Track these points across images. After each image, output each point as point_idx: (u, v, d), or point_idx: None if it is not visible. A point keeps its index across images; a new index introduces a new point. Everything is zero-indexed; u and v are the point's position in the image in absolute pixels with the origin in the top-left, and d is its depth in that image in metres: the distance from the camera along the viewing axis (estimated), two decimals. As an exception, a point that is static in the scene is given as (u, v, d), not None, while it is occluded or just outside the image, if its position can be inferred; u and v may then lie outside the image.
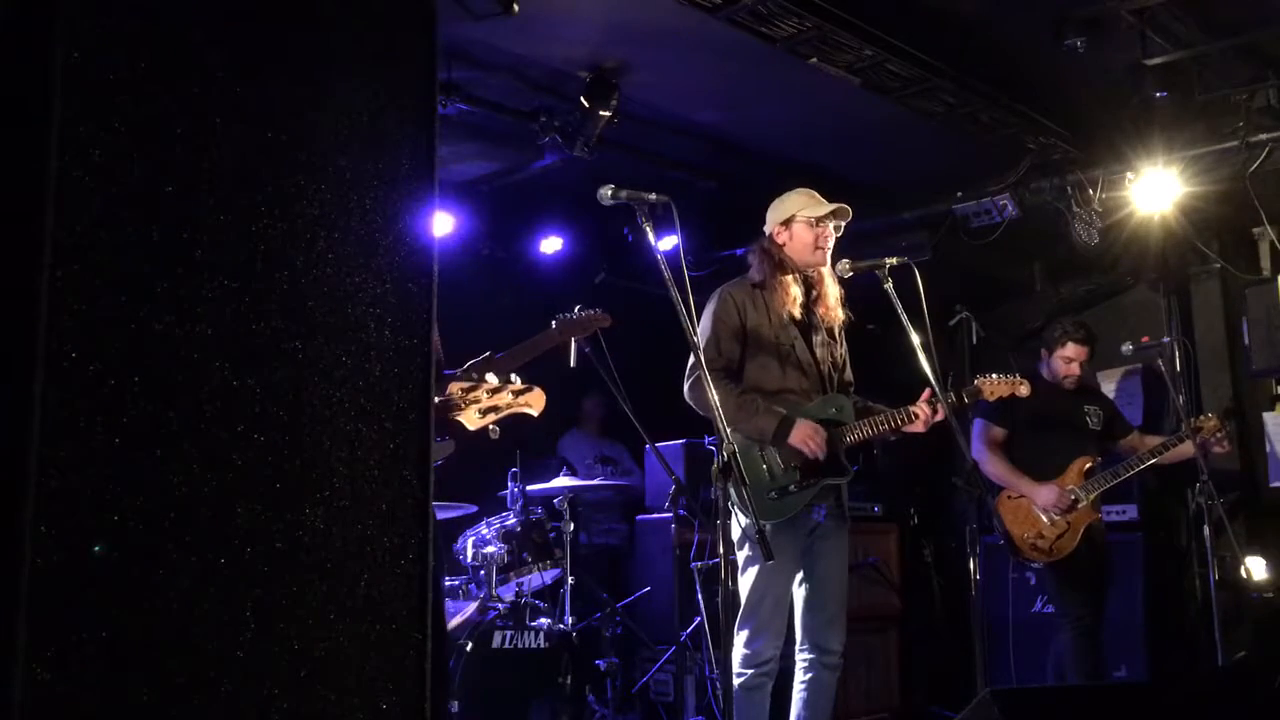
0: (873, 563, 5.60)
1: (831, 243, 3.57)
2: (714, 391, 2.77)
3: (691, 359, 3.41)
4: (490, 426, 2.84)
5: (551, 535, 4.54)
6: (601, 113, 4.69)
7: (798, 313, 3.56)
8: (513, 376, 2.88)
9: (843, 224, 3.59)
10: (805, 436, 3.39)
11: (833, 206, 3.56)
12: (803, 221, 3.56)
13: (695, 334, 2.84)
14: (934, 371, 3.32)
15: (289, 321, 1.37)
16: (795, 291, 3.56)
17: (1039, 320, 6.05)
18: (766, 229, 3.65)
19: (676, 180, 5.68)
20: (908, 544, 5.96)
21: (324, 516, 1.37)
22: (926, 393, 3.42)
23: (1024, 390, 3.65)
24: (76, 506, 1.16)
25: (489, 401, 2.75)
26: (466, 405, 2.74)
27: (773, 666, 3.41)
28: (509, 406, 2.79)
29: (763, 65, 4.52)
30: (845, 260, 3.53)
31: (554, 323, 3.52)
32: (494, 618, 4.06)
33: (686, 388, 3.49)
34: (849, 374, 3.72)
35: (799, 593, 3.50)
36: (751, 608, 3.38)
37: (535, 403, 2.83)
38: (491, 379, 2.80)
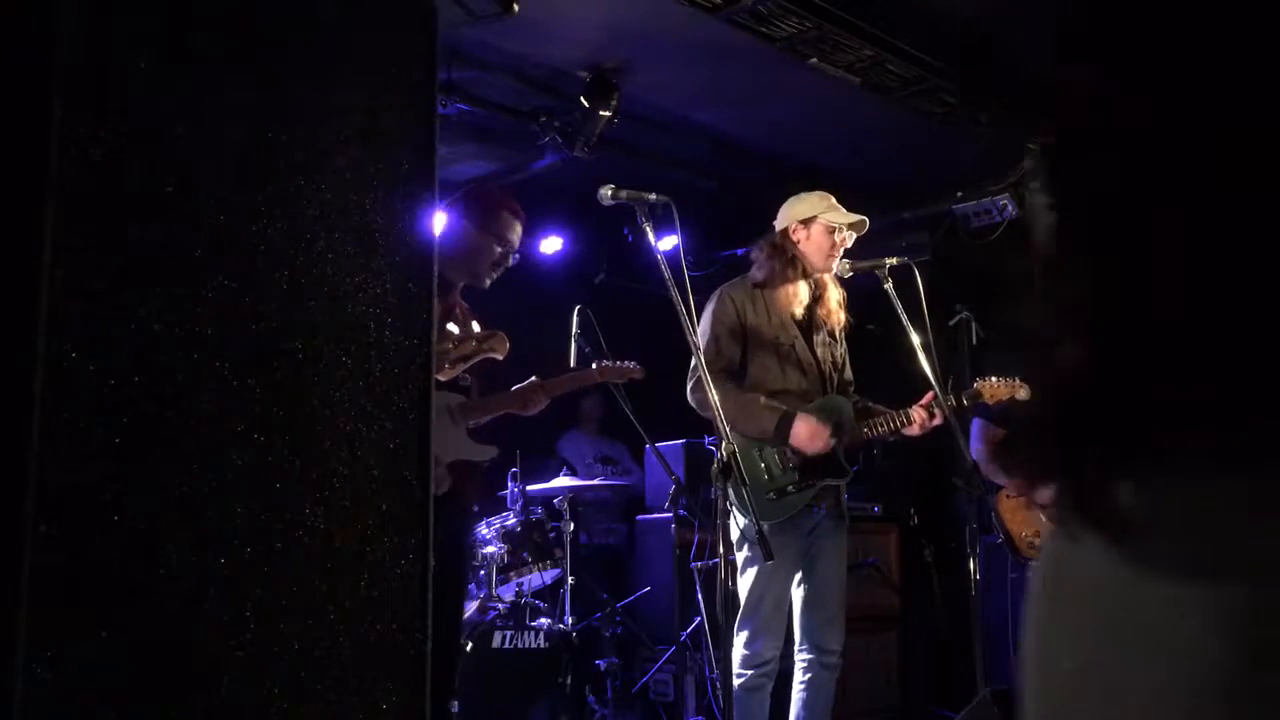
0: (873, 563, 5.59)
1: (842, 252, 3.56)
2: (714, 392, 2.77)
3: (694, 360, 3.41)
4: (460, 375, 2.98)
5: (551, 535, 4.54)
6: (601, 113, 4.69)
7: (800, 313, 3.55)
8: (473, 324, 2.98)
9: (855, 236, 3.58)
10: (806, 437, 3.39)
11: (855, 217, 3.54)
12: (823, 225, 3.54)
13: (695, 334, 2.84)
14: (934, 372, 3.31)
15: (289, 321, 1.37)
16: (803, 294, 3.55)
17: (1039, 320, 6.04)
18: (780, 224, 3.62)
19: (676, 180, 5.67)
20: (908, 544, 5.95)
21: (324, 516, 1.37)
22: (928, 396, 3.42)
23: (1024, 394, 3.65)
24: (77, 506, 1.16)
25: (456, 352, 2.87)
26: (437, 359, 2.84)
27: (773, 667, 3.41)
28: (475, 352, 2.90)
29: (763, 65, 4.52)
30: (845, 260, 3.53)
31: (594, 365, 3.58)
32: (494, 618, 4.06)
33: (689, 389, 3.48)
34: (848, 374, 3.71)
35: (798, 593, 3.50)
36: (751, 608, 3.37)
37: (499, 346, 2.96)
38: (452, 328, 2.91)
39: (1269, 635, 0.49)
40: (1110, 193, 0.58)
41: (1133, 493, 0.57)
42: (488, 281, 3.21)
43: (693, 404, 3.50)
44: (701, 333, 3.49)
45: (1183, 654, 0.53)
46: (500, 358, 2.98)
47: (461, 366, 2.94)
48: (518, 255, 3.28)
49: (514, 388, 3.24)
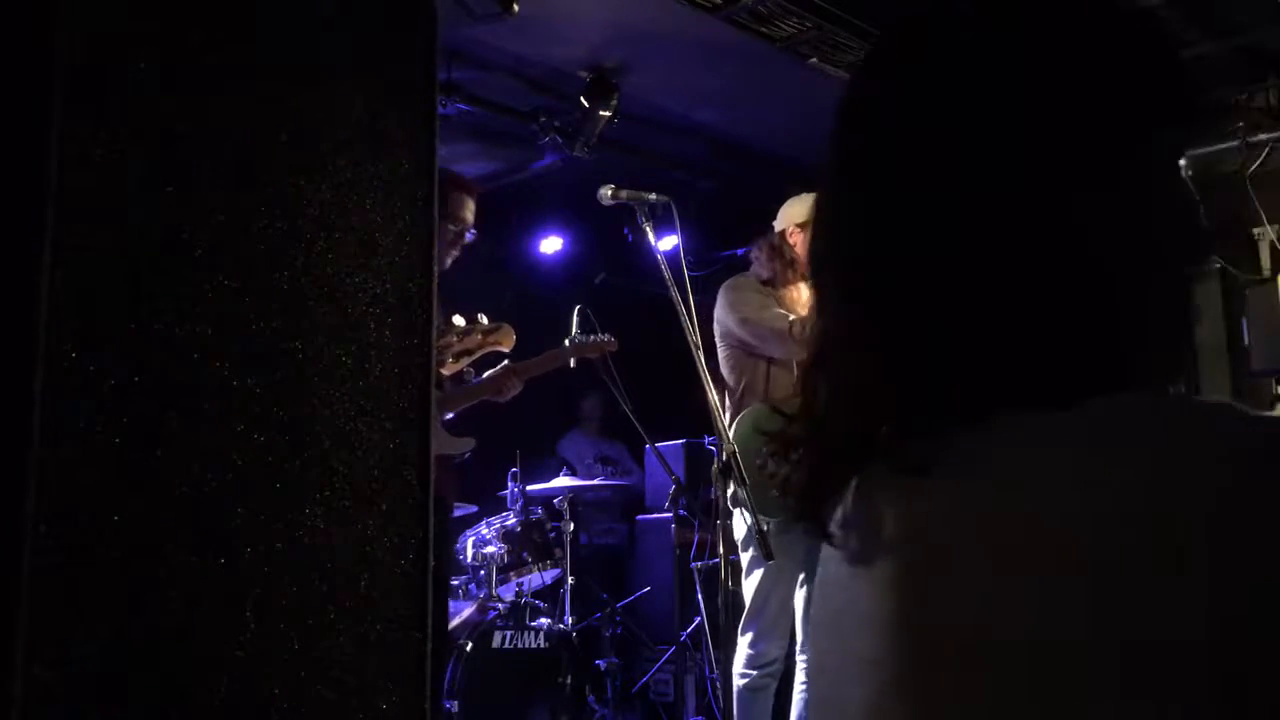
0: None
1: None
2: (713, 393, 2.77)
3: (765, 326, 3.40)
4: (465, 369, 2.97)
5: (551, 535, 4.54)
6: (601, 113, 4.69)
7: (804, 314, 3.55)
8: (480, 316, 2.98)
9: None
10: None
11: None
12: None
13: (695, 334, 2.84)
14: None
15: (289, 321, 1.37)
16: (804, 295, 3.55)
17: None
18: (778, 226, 3.62)
19: (676, 180, 5.67)
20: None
21: (324, 516, 1.36)
22: None
23: None
24: (76, 507, 1.16)
25: (461, 345, 2.87)
26: (441, 352, 2.82)
27: (777, 668, 3.41)
28: (480, 346, 2.90)
29: (763, 65, 4.52)
30: None
31: (566, 342, 3.58)
32: (494, 618, 4.06)
33: (796, 340, 3.39)
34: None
35: (801, 594, 3.50)
36: (756, 609, 3.37)
37: (505, 340, 2.95)
38: (458, 320, 2.90)
39: (914, 599, 0.63)
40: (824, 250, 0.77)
41: (848, 501, 0.72)
42: (447, 263, 3.21)
43: (794, 351, 3.43)
44: (728, 321, 3.49)
45: (871, 620, 0.66)
46: (506, 350, 2.98)
47: (466, 360, 2.93)
48: (474, 232, 3.25)
49: (485, 374, 3.21)
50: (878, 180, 0.69)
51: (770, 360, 3.50)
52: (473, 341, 2.90)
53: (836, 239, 0.73)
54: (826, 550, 0.74)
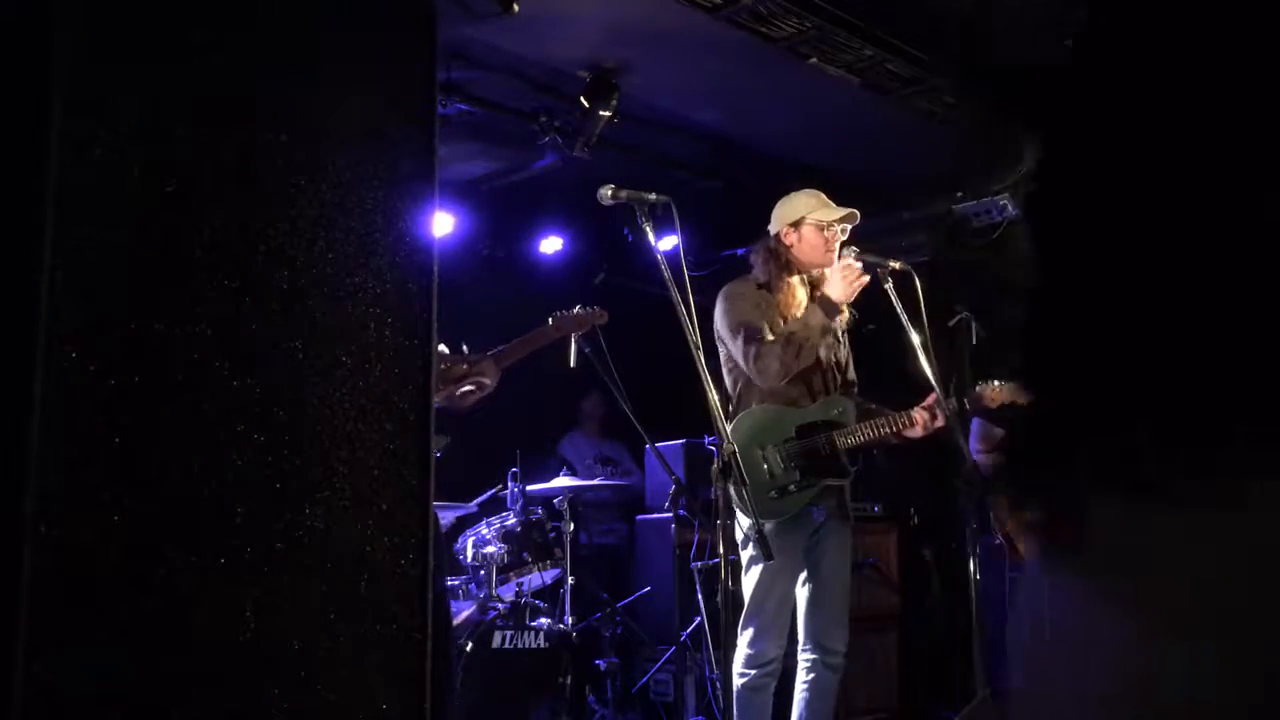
0: (873, 563, 5.59)
1: (839, 245, 3.56)
2: (713, 393, 2.77)
3: (739, 342, 3.41)
4: (454, 391, 3.00)
5: (551, 535, 4.54)
6: (601, 113, 4.69)
7: (801, 315, 3.55)
8: (463, 347, 3.01)
9: (849, 227, 3.58)
10: (840, 287, 3.40)
11: (843, 212, 3.54)
12: (812, 225, 3.54)
13: (695, 334, 2.84)
14: (934, 372, 3.31)
15: (289, 321, 1.37)
16: (802, 294, 3.55)
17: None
18: (773, 229, 3.63)
19: (676, 180, 5.68)
20: (907, 544, 5.95)
21: (324, 516, 1.37)
22: (930, 398, 3.41)
23: (1024, 399, 3.65)
24: (76, 507, 1.16)
25: (447, 374, 2.88)
26: None
27: (776, 666, 3.41)
28: (465, 375, 2.91)
29: (763, 65, 4.53)
30: (852, 249, 3.52)
31: (550, 319, 3.57)
32: (494, 618, 4.06)
33: (755, 368, 3.41)
34: (851, 374, 3.71)
35: (802, 593, 3.50)
36: (756, 608, 3.37)
37: (488, 372, 2.95)
38: (442, 349, 2.92)
39: (1168, 620, 0.62)
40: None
41: (1093, 524, 0.70)
42: None
43: (767, 380, 3.43)
44: (727, 328, 3.49)
45: (1124, 641, 0.65)
46: (489, 384, 2.99)
47: (454, 389, 2.93)
48: None
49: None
50: (1106, 193, 0.69)
51: None
52: (459, 370, 2.92)
53: (1065, 258, 0.72)
54: (1050, 568, 0.74)
